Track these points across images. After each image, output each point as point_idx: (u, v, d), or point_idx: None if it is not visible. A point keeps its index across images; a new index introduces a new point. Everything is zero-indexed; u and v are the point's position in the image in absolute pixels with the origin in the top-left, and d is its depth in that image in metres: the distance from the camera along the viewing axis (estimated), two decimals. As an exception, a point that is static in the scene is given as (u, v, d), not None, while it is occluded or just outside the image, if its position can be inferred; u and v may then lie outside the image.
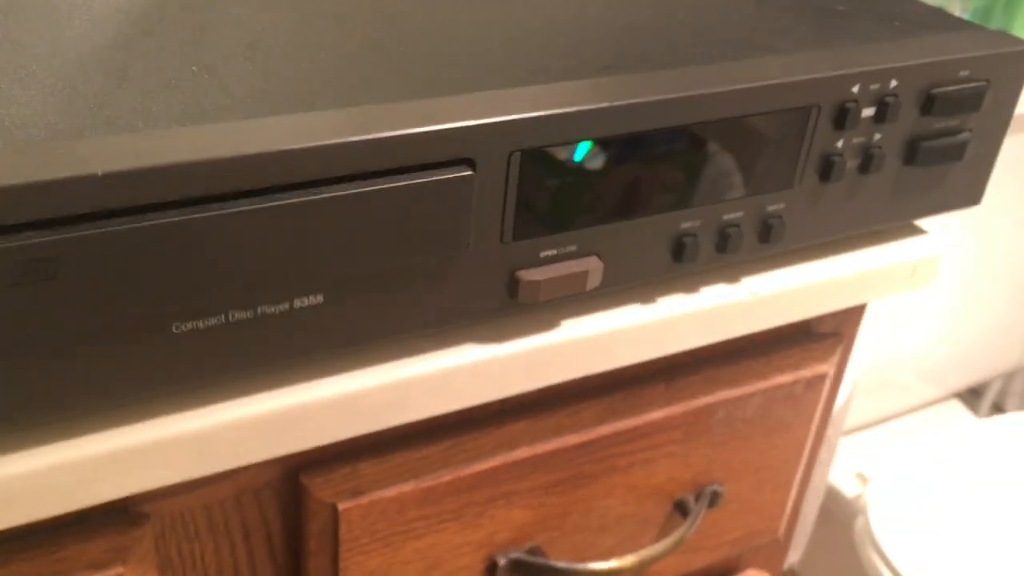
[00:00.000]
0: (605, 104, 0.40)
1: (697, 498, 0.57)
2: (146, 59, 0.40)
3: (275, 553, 0.47)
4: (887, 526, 1.04)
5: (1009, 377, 1.54)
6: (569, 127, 0.39)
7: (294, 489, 0.45)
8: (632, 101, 0.40)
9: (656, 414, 0.53)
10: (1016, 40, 0.50)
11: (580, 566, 0.52)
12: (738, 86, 0.43)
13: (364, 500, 0.46)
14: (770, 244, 0.48)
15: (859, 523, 1.08)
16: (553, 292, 0.43)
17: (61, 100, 0.36)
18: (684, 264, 0.46)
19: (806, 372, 0.57)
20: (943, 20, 0.53)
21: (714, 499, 0.57)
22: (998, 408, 1.58)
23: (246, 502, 0.45)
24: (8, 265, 0.31)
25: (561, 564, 0.52)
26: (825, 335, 0.58)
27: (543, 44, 0.45)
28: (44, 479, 0.36)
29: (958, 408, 1.34)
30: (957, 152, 0.51)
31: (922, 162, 0.50)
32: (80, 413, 0.37)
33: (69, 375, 0.35)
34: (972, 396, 1.49)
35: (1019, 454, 1.14)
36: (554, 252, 0.42)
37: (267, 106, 0.37)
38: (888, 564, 1.01)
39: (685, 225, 0.45)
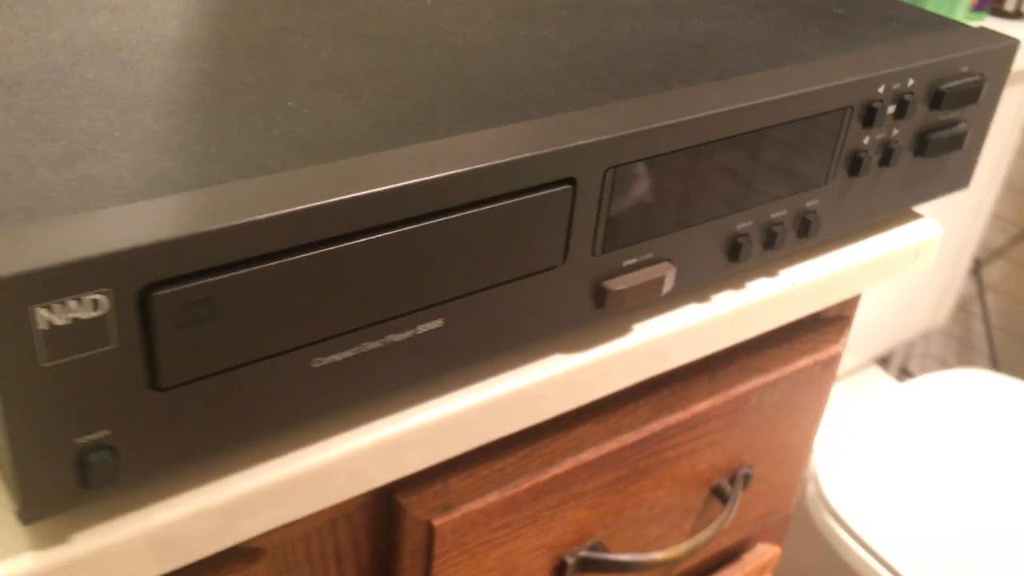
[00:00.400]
0: (687, 117, 0.42)
1: (732, 482, 0.60)
2: (238, 97, 0.40)
3: (364, 575, 0.48)
4: (838, 490, 1.10)
5: (911, 343, 1.64)
6: (656, 141, 0.42)
7: (387, 510, 0.46)
8: (708, 113, 0.43)
9: (701, 406, 0.55)
10: (1000, 36, 0.55)
11: (643, 557, 0.54)
12: (791, 92, 0.45)
13: (456, 514, 0.47)
14: (807, 238, 0.51)
15: (811, 490, 1.14)
16: (635, 300, 0.45)
17: (176, 147, 0.35)
18: (739, 263, 0.49)
19: (822, 355, 0.61)
20: (929, 19, 0.57)
21: (746, 481, 0.61)
22: (904, 371, 1.68)
23: (340, 527, 0.45)
24: (177, 309, 0.31)
25: (625, 557, 0.54)
26: (833, 319, 0.62)
27: (593, 63, 0.46)
28: (186, 528, 0.36)
29: (879, 373, 1.42)
30: (958, 142, 0.55)
31: (930, 153, 0.54)
32: (220, 455, 0.37)
33: (217, 418, 0.35)
34: (881, 361, 1.58)
35: (943, 411, 1.22)
36: (635, 260, 0.44)
37: (375, 140, 0.37)
38: (845, 527, 1.07)
39: (740, 226, 0.48)
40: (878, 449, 1.16)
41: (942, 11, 1.05)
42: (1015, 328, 1.55)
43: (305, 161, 0.35)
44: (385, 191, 0.35)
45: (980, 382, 1.28)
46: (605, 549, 0.55)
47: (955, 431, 1.19)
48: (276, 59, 0.43)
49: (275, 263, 0.33)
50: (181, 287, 0.31)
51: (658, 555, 0.55)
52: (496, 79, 0.44)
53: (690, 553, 0.57)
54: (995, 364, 1.58)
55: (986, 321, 1.57)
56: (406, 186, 0.35)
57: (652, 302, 0.47)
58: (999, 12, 1.17)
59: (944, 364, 1.65)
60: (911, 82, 0.50)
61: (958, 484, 1.11)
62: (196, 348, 0.33)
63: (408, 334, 0.38)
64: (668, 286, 0.46)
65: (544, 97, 0.42)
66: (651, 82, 0.45)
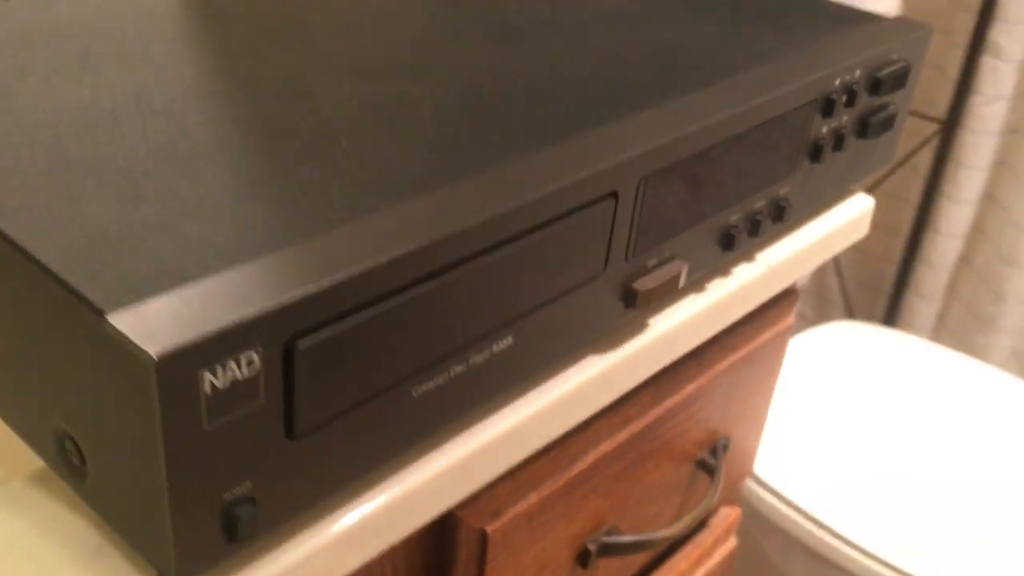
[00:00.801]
0: (700, 124, 0.45)
1: (713, 453, 0.64)
2: (290, 141, 0.40)
3: (416, 590, 0.49)
4: (765, 461, 1.17)
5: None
6: (678, 149, 0.45)
7: (439, 523, 0.48)
8: (716, 118, 0.46)
9: (691, 387, 0.59)
10: (918, 24, 0.61)
11: (654, 536, 0.58)
12: (774, 92, 0.49)
13: (505, 519, 0.49)
14: (781, 222, 0.56)
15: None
16: (660, 296, 0.48)
17: (263, 198, 0.36)
18: (732, 252, 0.53)
19: (780, 326, 0.66)
20: (851, 13, 0.63)
21: (724, 451, 0.65)
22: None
23: (396, 547, 0.47)
24: (314, 357, 0.32)
25: (638, 538, 0.57)
26: (785, 292, 0.67)
27: (591, 77, 0.49)
28: (306, 569, 0.37)
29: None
30: (890, 122, 0.61)
31: (870, 135, 0.59)
32: (337, 494, 0.38)
33: (337, 459, 0.36)
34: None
35: (829, 364, 1.32)
36: (655, 261, 0.48)
37: (442, 173, 0.39)
38: (766, 487, 1.14)
39: (732, 219, 0.52)
40: (778, 408, 1.24)
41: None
42: (865, 278, 1.68)
43: (391, 200, 0.37)
44: (477, 224, 0.36)
45: (852, 332, 1.38)
46: (620, 532, 0.58)
47: (846, 381, 1.28)
48: (304, 98, 0.44)
49: (391, 303, 0.34)
50: (319, 336, 0.32)
51: (666, 532, 0.59)
52: (514, 99, 0.46)
53: (691, 525, 0.61)
54: (851, 314, 1.71)
55: (839, 274, 1.69)
56: (492, 217, 0.37)
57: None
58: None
59: (805, 319, 1.77)
60: (858, 73, 0.56)
61: (863, 431, 1.20)
62: (323, 394, 0.34)
63: (486, 355, 0.40)
64: (683, 281, 0.49)
65: (567, 113, 0.45)
66: (651, 92, 0.48)
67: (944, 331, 1.62)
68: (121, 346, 0.29)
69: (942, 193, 1.51)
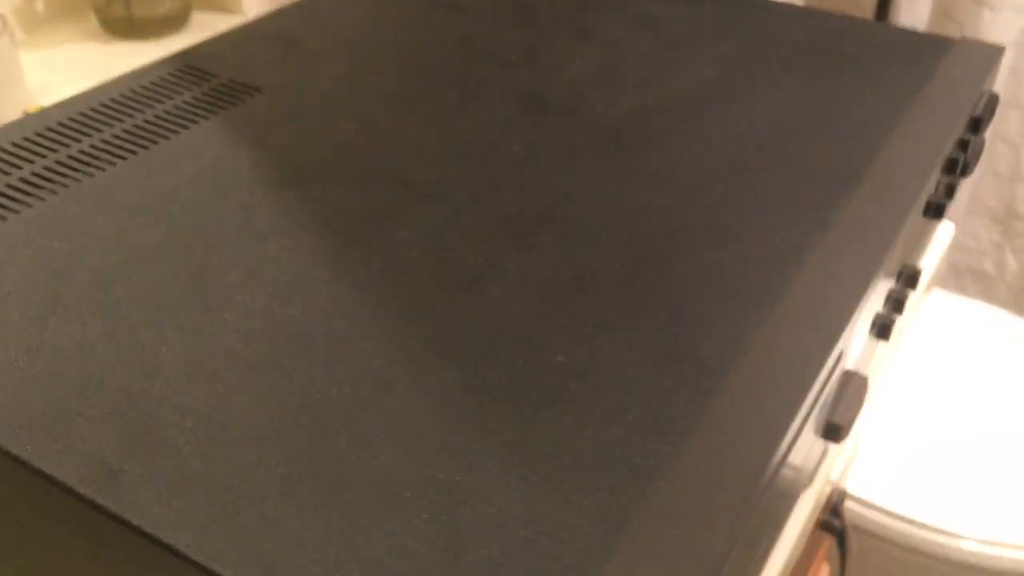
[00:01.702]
0: (891, 234, 0.42)
1: (835, 513, 0.62)
2: (497, 362, 0.35)
3: None
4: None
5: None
6: (868, 270, 0.41)
7: None
8: (891, 226, 0.43)
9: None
10: (991, 47, 0.58)
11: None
12: (925, 175, 0.46)
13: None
14: (914, 290, 0.53)
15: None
16: (854, 422, 0.45)
17: (533, 467, 0.31)
18: (886, 340, 0.50)
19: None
20: (917, 38, 0.59)
21: (842, 505, 0.63)
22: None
23: None
24: None
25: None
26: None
27: (736, 196, 0.45)
28: None
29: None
30: (981, 151, 0.58)
31: (968, 172, 0.57)
32: None
33: None
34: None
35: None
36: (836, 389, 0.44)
37: (683, 392, 0.34)
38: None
39: (883, 309, 0.49)
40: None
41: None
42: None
43: (661, 443, 0.32)
44: (774, 457, 0.32)
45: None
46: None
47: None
48: (471, 288, 0.38)
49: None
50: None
51: (826, 615, 0.57)
52: (683, 246, 0.41)
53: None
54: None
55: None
56: (780, 442, 0.33)
57: (839, 408, 0.47)
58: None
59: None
60: (964, 125, 0.53)
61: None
62: None
63: (755, 553, 0.36)
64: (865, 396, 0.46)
65: (752, 255, 0.40)
66: (810, 198, 0.44)
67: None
68: None
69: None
